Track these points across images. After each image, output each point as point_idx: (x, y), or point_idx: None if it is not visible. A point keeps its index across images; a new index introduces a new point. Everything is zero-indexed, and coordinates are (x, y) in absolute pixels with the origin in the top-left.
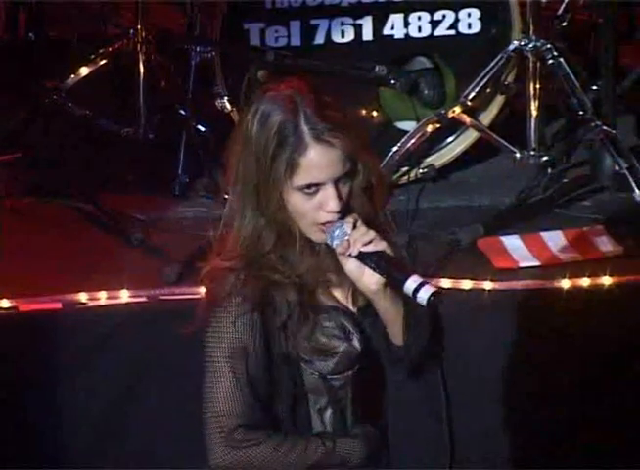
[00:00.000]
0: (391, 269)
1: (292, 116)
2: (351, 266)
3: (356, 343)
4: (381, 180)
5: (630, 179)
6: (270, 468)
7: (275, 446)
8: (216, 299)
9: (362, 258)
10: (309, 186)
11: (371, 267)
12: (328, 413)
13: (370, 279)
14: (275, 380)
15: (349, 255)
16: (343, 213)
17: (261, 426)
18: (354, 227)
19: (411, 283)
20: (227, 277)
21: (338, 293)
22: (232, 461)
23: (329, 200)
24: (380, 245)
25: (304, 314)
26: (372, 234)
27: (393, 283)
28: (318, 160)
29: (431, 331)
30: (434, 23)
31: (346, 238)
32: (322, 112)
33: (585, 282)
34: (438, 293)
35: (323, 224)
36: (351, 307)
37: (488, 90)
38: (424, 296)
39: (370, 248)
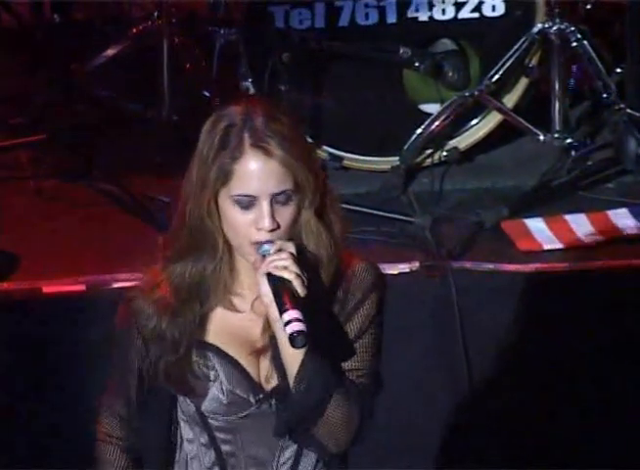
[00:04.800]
0: (283, 299)
1: (239, 122)
2: (264, 286)
3: (218, 391)
4: (337, 215)
5: None
6: None
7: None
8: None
9: (269, 279)
10: (243, 198)
11: (271, 288)
12: (210, 454)
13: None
14: (149, 401)
15: (260, 272)
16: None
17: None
18: (279, 250)
19: (286, 316)
20: (141, 298)
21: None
22: None
23: (262, 217)
24: (289, 275)
25: (180, 347)
26: (287, 262)
27: (278, 310)
28: (253, 168)
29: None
30: (459, 6)
31: (264, 255)
32: (269, 123)
33: (607, 265)
34: (302, 333)
35: (255, 243)
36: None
37: (512, 73)
38: (288, 330)
39: (278, 272)
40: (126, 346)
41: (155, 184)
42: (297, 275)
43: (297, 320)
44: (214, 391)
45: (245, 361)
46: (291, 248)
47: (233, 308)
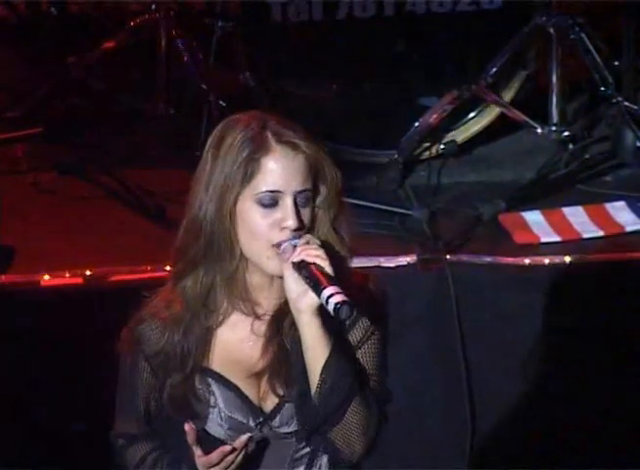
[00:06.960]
0: (319, 279)
1: (256, 125)
2: (289, 277)
3: (217, 417)
4: (348, 234)
5: None
6: None
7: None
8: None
9: (300, 266)
10: (267, 194)
11: (303, 276)
12: None
13: (302, 294)
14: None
15: (290, 261)
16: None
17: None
18: (307, 243)
19: (327, 291)
20: (147, 320)
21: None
22: None
23: (287, 216)
24: (322, 262)
25: (187, 366)
26: (320, 251)
27: (315, 291)
28: (280, 163)
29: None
30: None
31: (295, 245)
32: (286, 124)
33: (605, 257)
34: (346, 303)
35: (277, 246)
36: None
37: (510, 66)
38: (332, 302)
39: (312, 259)
40: (132, 370)
41: (152, 177)
42: (329, 264)
43: (339, 293)
44: (214, 417)
45: (244, 385)
46: (317, 242)
47: (250, 313)
